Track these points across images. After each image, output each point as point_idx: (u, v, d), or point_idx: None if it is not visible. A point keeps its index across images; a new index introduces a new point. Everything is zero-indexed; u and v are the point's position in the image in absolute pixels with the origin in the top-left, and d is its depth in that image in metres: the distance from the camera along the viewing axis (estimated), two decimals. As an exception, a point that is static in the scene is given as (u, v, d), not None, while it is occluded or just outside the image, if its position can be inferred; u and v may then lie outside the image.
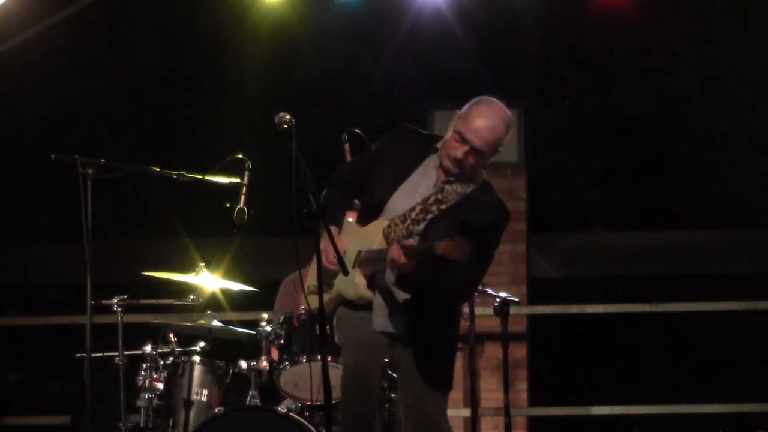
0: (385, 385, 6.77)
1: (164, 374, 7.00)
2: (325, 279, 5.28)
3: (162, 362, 7.04)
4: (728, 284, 10.87)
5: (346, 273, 5.25)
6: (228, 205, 6.00)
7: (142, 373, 7.01)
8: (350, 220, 5.61)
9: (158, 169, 6.09)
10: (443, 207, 5.42)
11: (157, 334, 7.21)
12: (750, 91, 11.29)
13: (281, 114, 5.23)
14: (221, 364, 7.04)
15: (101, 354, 7.09)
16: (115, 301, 7.06)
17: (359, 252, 5.44)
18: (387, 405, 6.82)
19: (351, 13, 10.18)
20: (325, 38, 11.14)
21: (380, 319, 5.48)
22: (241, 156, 6.07)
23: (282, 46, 11.03)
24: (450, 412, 6.54)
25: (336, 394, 5.40)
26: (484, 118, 5.42)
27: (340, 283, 5.48)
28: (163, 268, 7.45)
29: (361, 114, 10.13)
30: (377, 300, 5.47)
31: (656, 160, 11.84)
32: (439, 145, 5.52)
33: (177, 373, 6.99)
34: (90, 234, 5.64)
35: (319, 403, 6.47)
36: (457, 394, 9.28)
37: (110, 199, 10.12)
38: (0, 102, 9.99)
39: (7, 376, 12.45)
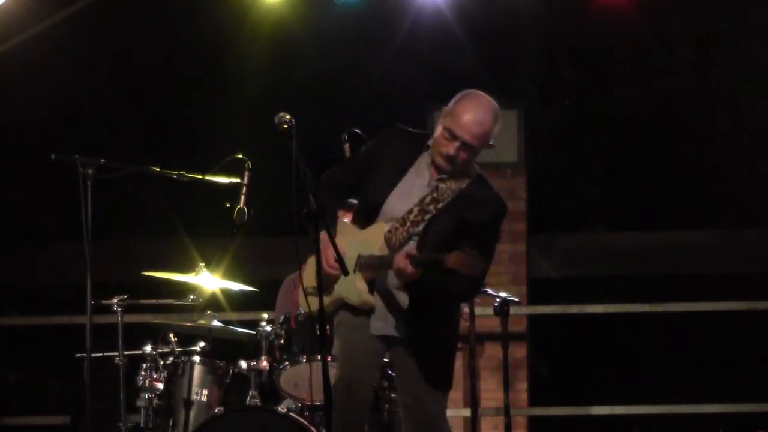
0: (385, 385, 6.77)
1: (164, 374, 7.01)
2: (324, 283, 5.29)
3: (162, 362, 7.04)
4: (728, 284, 10.87)
5: (346, 273, 5.25)
6: (228, 205, 6.00)
7: (142, 373, 7.02)
8: (345, 220, 5.60)
9: (158, 169, 6.09)
10: (440, 205, 5.42)
11: (157, 334, 7.21)
12: (750, 91, 11.29)
13: (281, 114, 5.23)
14: (221, 364, 7.03)
15: (101, 354, 7.09)
16: (115, 301, 7.06)
17: (359, 256, 5.42)
18: (387, 405, 6.81)
19: (351, 13, 10.18)
20: (325, 38, 11.14)
21: (380, 323, 5.47)
22: (241, 156, 6.07)
23: (282, 46, 11.03)
24: (450, 412, 6.55)
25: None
26: (472, 113, 5.43)
27: (342, 288, 5.47)
28: (163, 268, 7.45)
29: (361, 114, 10.13)
30: (377, 303, 5.47)
31: (656, 160, 11.84)
32: (430, 142, 5.53)
33: (177, 373, 6.99)
34: (90, 234, 5.63)
35: (318, 403, 6.47)
36: (457, 394, 9.28)
37: (110, 199, 10.11)
38: (0, 102, 9.99)
39: (7, 376, 12.45)
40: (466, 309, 7.03)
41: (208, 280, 7.28)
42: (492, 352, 9.44)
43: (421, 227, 5.41)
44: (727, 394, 10.39)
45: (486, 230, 5.42)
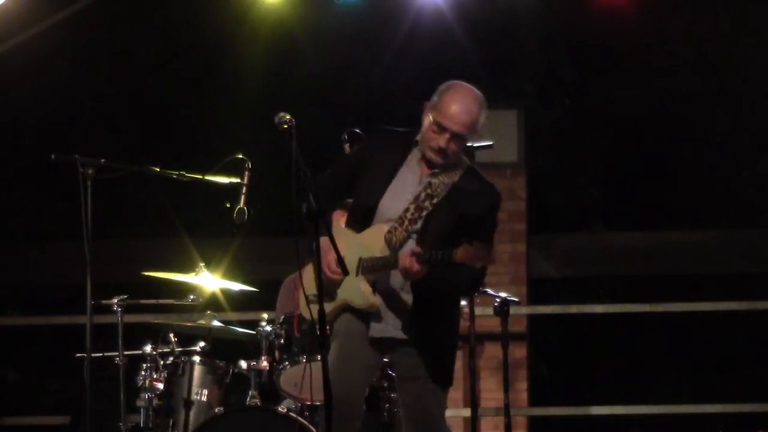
0: (385, 385, 6.77)
1: (164, 374, 7.00)
2: (327, 289, 5.29)
3: (162, 362, 7.04)
4: (728, 284, 10.87)
5: (347, 273, 5.25)
6: (228, 205, 6.00)
7: (142, 373, 7.02)
8: (341, 225, 5.58)
9: (158, 169, 6.09)
10: (435, 201, 5.43)
11: (157, 334, 7.21)
12: (750, 91, 11.29)
13: (281, 114, 5.23)
14: (221, 364, 7.03)
15: (101, 354, 7.09)
16: (115, 301, 7.06)
17: (360, 259, 5.42)
18: (387, 405, 6.81)
19: (351, 13, 10.18)
20: (325, 38, 11.14)
21: (382, 326, 5.46)
22: (241, 156, 6.07)
23: (282, 46, 11.03)
24: (450, 412, 6.55)
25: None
26: (458, 103, 5.44)
27: (346, 293, 5.46)
28: (163, 268, 7.45)
29: (361, 114, 10.13)
30: (380, 305, 5.47)
31: (656, 160, 11.84)
32: (418, 138, 5.53)
33: (177, 373, 6.99)
34: (90, 234, 5.63)
35: (318, 403, 6.47)
36: (457, 394, 9.28)
37: (110, 199, 10.11)
38: (0, 102, 9.99)
39: (7, 376, 12.45)
40: (466, 309, 7.03)
41: (208, 280, 7.27)
42: (492, 352, 9.44)
43: (419, 224, 5.41)
44: (727, 394, 10.39)
45: (485, 221, 5.43)
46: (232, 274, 8.10)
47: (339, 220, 5.73)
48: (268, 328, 6.93)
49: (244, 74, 11.39)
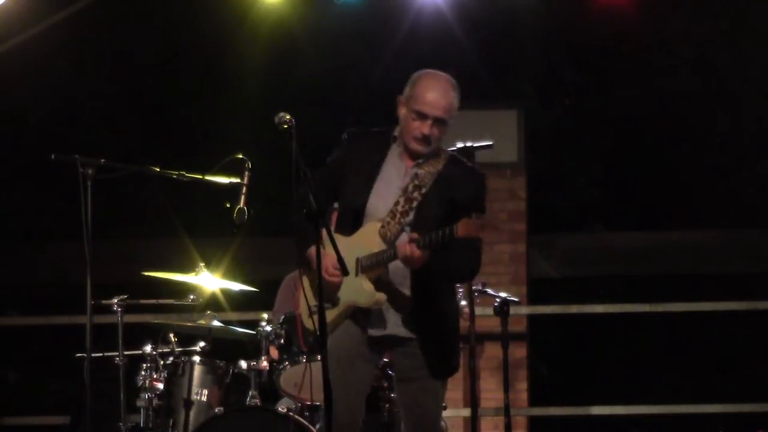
0: (385, 385, 6.77)
1: (164, 374, 7.00)
2: (328, 296, 5.28)
3: (162, 362, 7.04)
4: (728, 284, 10.86)
5: (346, 273, 5.25)
6: (228, 205, 6.00)
7: (142, 373, 7.02)
8: (332, 230, 5.52)
9: (158, 169, 6.09)
10: (424, 191, 5.44)
11: (157, 334, 7.21)
12: (750, 91, 11.29)
13: (281, 114, 5.24)
14: (221, 364, 7.03)
15: (101, 354, 7.10)
16: (115, 301, 7.07)
17: (358, 259, 5.42)
18: (387, 405, 6.82)
19: (351, 13, 10.18)
20: (325, 38, 11.15)
21: (381, 324, 5.46)
22: (241, 156, 6.07)
23: (282, 46, 11.03)
24: (450, 412, 6.57)
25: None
26: (433, 89, 5.48)
27: (349, 295, 5.45)
28: (163, 268, 7.45)
29: (361, 114, 10.13)
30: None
31: (656, 160, 11.84)
32: (396, 133, 5.55)
33: (177, 373, 6.99)
34: (90, 234, 5.63)
35: (318, 403, 6.47)
36: (457, 394, 9.28)
37: (110, 199, 10.11)
38: (0, 102, 9.99)
39: (7, 376, 12.45)
40: (466, 309, 7.03)
41: (208, 280, 7.27)
42: (492, 352, 9.44)
43: (411, 216, 5.43)
44: (727, 394, 10.39)
45: (476, 203, 5.44)
46: (232, 274, 8.10)
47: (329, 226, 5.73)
48: (268, 328, 6.93)
49: (244, 74, 11.39)
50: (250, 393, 6.86)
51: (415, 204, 5.43)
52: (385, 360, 5.78)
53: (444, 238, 5.22)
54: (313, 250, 5.28)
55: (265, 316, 7.20)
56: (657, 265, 10.78)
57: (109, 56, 11.50)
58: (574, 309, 9.98)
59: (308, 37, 11.06)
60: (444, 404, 5.73)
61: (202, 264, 7.26)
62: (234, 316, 8.83)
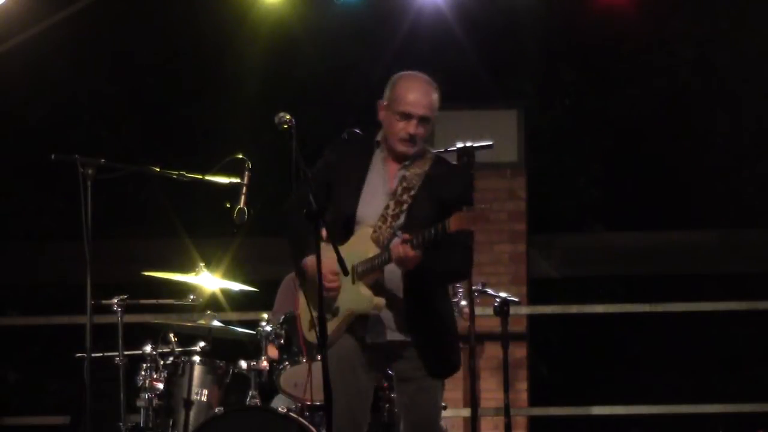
0: (385, 385, 6.77)
1: (164, 374, 7.00)
2: (328, 306, 5.29)
3: (162, 362, 7.04)
4: (728, 284, 10.87)
5: (346, 273, 5.25)
6: (228, 205, 6.00)
7: (142, 373, 7.01)
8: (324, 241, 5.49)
9: (158, 169, 6.09)
10: (413, 192, 5.45)
11: (157, 334, 7.21)
12: (750, 91, 11.29)
13: (281, 114, 5.24)
14: (221, 364, 7.03)
15: (101, 354, 7.10)
16: (115, 301, 7.07)
17: (353, 266, 5.41)
18: (387, 405, 6.82)
19: (351, 13, 10.18)
20: (325, 38, 11.15)
21: (379, 331, 5.46)
22: (241, 156, 6.07)
23: (282, 46, 11.03)
24: (450, 412, 6.57)
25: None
26: (414, 89, 5.51)
27: (348, 303, 5.44)
28: (163, 268, 7.45)
29: (361, 114, 10.12)
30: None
31: (656, 160, 11.84)
32: (379, 138, 5.55)
33: (177, 373, 6.99)
34: (90, 234, 5.64)
35: (318, 403, 6.47)
36: (457, 394, 9.28)
37: (110, 199, 10.11)
38: (0, 102, 9.99)
39: (7, 376, 12.45)
40: (466, 309, 7.03)
41: (208, 280, 7.27)
42: (492, 352, 9.43)
43: (402, 218, 5.43)
44: (727, 394, 10.39)
45: (465, 200, 5.44)
46: (232, 274, 8.11)
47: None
48: (268, 328, 6.93)
49: (244, 74, 11.39)
50: (250, 393, 6.86)
51: (405, 206, 5.43)
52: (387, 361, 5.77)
53: (437, 235, 5.22)
54: (308, 260, 5.32)
55: (265, 316, 7.20)
56: (657, 265, 10.78)
57: (109, 56, 11.51)
58: (574, 309, 9.98)
59: (308, 37, 11.06)
60: (444, 404, 5.73)
61: (202, 264, 7.26)
62: (234, 316, 8.83)
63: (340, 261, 5.19)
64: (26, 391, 12.23)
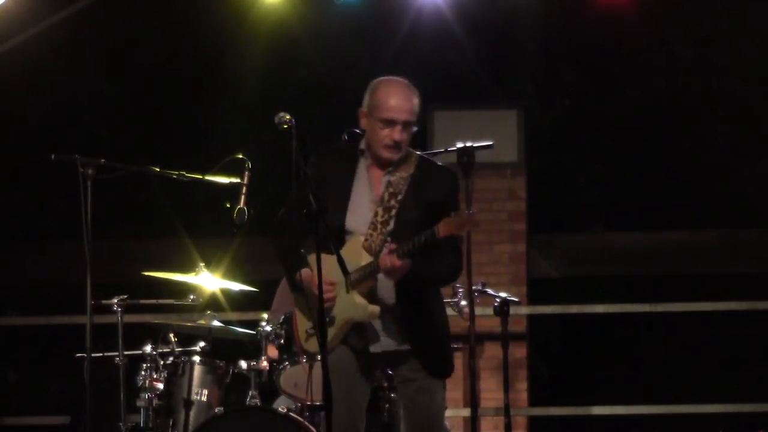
0: (385, 385, 6.77)
1: (164, 374, 7.00)
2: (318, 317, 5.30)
3: (162, 362, 7.03)
4: (728, 284, 10.86)
5: (346, 273, 5.26)
6: (228, 205, 6.00)
7: (142, 373, 7.01)
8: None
9: (158, 169, 6.09)
10: (400, 197, 5.45)
11: (157, 334, 7.20)
12: (750, 91, 11.29)
13: (281, 114, 5.24)
14: (221, 364, 7.03)
15: (101, 354, 7.09)
16: (115, 301, 7.07)
17: (346, 275, 5.41)
18: (387, 405, 6.81)
19: (351, 13, 10.19)
20: (325, 38, 11.15)
21: (377, 340, 5.47)
22: (241, 156, 6.07)
23: (282, 46, 11.03)
24: (450, 412, 6.56)
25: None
26: (395, 94, 5.49)
27: (344, 312, 5.44)
28: (163, 268, 7.45)
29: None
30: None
31: (656, 160, 11.84)
32: (362, 146, 5.54)
33: (177, 373, 6.98)
34: (90, 234, 5.64)
35: (318, 403, 6.47)
36: (457, 394, 9.28)
37: (110, 199, 10.11)
38: (0, 102, 9.99)
39: (7, 376, 12.44)
40: (466, 309, 7.03)
41: (208, 280, 7.27)
42: (492, 352, 9.43)
43: (392, 224, 5.42)
44: (727, 394, 10.38)
45: (451, 201, 5.45)
46: (232, 274, 8.10)
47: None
48: (268, 328, 6.93)
49: (244, 74, 11.39)
50: (250, 393, 6.86)
51: (393, 212, 5.43)
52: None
53: (427, 241, 5.22)
54: (302, 273, 5.35)
55: (265, 316, 7.20)
56: (657, 265, 10.77)
57: (109, 56, 11.50)
58: (574, 309, 9.98)
59: (308, 37, 11.06)
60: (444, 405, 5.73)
61: (202, 264, 7.26)
62: (234, 316, 8.83)
63: (340, 262, 5.19)
64: (26, 391, 12.23)
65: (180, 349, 7.18)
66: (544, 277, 10.61)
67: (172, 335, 7.19)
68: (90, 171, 5.72)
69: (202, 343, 7.19)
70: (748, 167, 11.83)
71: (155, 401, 6.97)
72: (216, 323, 7.25)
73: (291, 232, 5.53)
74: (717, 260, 10.60)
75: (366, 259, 5.38)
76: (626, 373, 11.91)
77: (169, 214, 10.85)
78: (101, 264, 6.03)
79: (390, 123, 5.44)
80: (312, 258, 5.38)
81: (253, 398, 6.84)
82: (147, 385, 6.98)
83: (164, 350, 7.13)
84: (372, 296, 5.42)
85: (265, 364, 6.87)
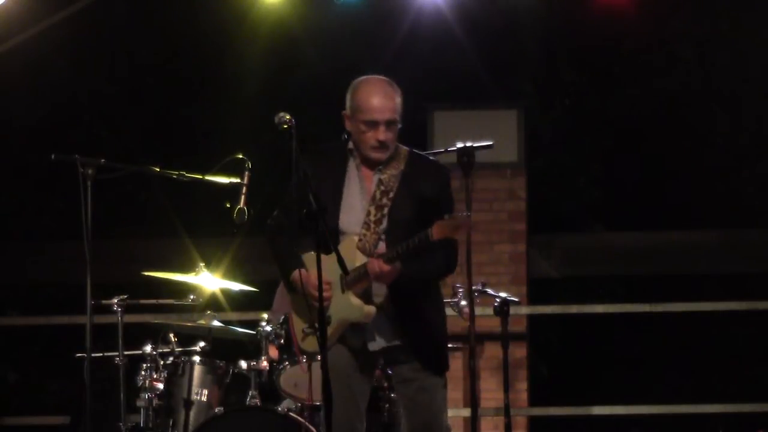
0: (385, 384, 6.77)
1: (164, 374, 7.01)
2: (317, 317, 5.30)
3: (162, 362, 7.04)
4: (728, 284, 10.86)
5: (346, 272, 5.26)
6: (228, 205, 6.00)
7: (142, 373, 7.01)
8: (311, 252, 5.47)
9: (158, 169, 6.09)
10: (391, 195, 5.44)
11: (157, 334, 7.21)
12: (750, 91, 11.29)
13: (281, 114, 5.24)
14: (221, 364, 7.04)
15: (101, 354, 7.10)
16: (115, 301, 7.07)
17: (341, 276, 5.41)
18: (387, 405, 6.81)
19: (351, 13, 10.19)
20: (325, 38, 11.14)
21: (374, 338, 5.47)
22: (241, 156, 6.07)
23: (282, 46, 11.03)
24: (450, 412, 6.54)
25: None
26: (375, 94, 5.47)
27: (339, 312, 5.44)
28: (163, 268, 7.45)
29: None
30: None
31: (656, 160, 11.84)
32: (350, 147, 5.53)
33: (177, 373, 6.99)
34: (90, 234, 5.64)
35: (318, 403, 6.47)
36: (457, 394, 9.28)
37: (110, 199, 10.11)
38: (0, 102, 9.99)
39: (7, 376, 12.44)
40: (466, 309, 7.03)
41: (208, 280, 7.27)
42: (492, 352, 9.44)
43: (385, 223, 5.42)
44: (727, 394, 10.39)
45: (443, 197, 5.45)
46: (232, 274, 8.10)
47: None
48: (268, 328, 6.93)
49: (244, 74, 11.39)
50: (250, 393, 6.86)
51: (386, 210, 5.42)
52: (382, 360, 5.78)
53: (420, 244, 5.22)
54: (296, 273, 5.36)
55: (265, 316, 7.19)
56: (657, 265, 10.77)
57: (109, 56, 11.50)
58: (574, 309, 9.98)
59: (308, 37, 11.06)
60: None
61: (202, 264, 7.26)
62: (234, 316, 8.82)
63: (340, 262, 5.19)
64: (26, 391, 12.23)
65: (180, 349, 7.18)
66: (544, 277, 10.61)
67: (172, 335, 7.20)
68: (90, 171, 5.72)
69: (202, 343, 7.19)
70: (748, 167, 11.83)
71: (155, 401, 6.97)
72: (216, 323, 7.25)
73: (286, 233, 5.53)
74: (717, 260, 10.60)
75: (360, 259, 5.38)
76: (626, 373, 11.91)
77: (169, 214, 10.85)
78: (101, 264, 6.03)
79: (373, 124, 5.43)
80: (307, 257, 5.39)
81: (253, 398, 6.85)
82: (147, 385, 6.98)
83: (164, 350, 7.13)
84: (367, 296, 5.42)
85: (265, 364, 6.88)
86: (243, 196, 6.02)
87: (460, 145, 6.40)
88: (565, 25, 11.32)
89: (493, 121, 9.97)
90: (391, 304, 5.43)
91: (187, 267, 7.33)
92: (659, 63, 11.92)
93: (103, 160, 5.80)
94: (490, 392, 9.52)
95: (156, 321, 7.46)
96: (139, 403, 6.99)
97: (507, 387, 7.38)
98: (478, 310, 7.30)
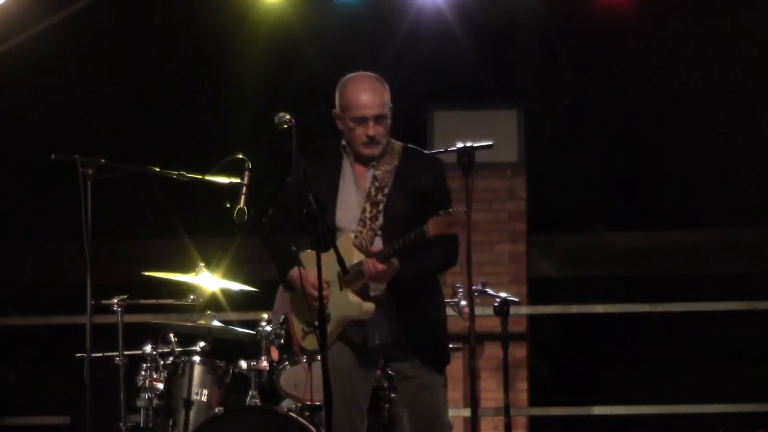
0: (385, 384, 6.77)
1: (164, 374, 7.01)
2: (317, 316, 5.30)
3: (162, 362, 7.04)
4: (728, 284, 10.86)
5: (346, 272, 5.26)
6: (228, 205, 6.00)
7: (142, 373, 7.02)
8: (308, 250, 5.48)
9: (158, 169, 6.09)
10: (386, 191, 5.44)
11: (157, 334, 7.21)
12: (750, 91, 11.29)
13: (281, 114, 5.24)
14: (221, 364, 7.04)
15: (101, 354, 7.10)
16: (115, 301, 7.07)
17: (338, 273, 5.41)
18: (387, 405, 6.81)
19: (351, 13, 10.19)
20: (325, 38, 11.14)
21: (373, 334, 5.47)
22: (241, 156, 6.07)
23: (282, 46, 11.03)
24: (450, 412, 6.54)
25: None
26: (362, 90, 5.47)
27: (338, 310, 5.44)
28: (163, 268, 7.45)
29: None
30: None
31: (656, 160, 11.84)
32: (344, 144, 5.54)
33: (177, 373, 6.99)
34: (90, 234, 5.64)
35: (318, 403, 6.47)
36: (457, 394, 9.28)
37: (110, 199, 10.11)
38: (0, 102, 9.99)
39: (7, 376, 12.44)
40: (466, 309, 7.03)
41: (208, 280, 7.27)
42: (492, 352, 9.44)
43: (381, 219, 5.43)
44: (727, 394, 10.39)
45: (439, 191, 5.45)
46: (232, 274, 8.10)
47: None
48: (268, 328, 6.93)
49: (244, 74, 11.38)
50: (250, 393, 6.86)
51: (381, 206, 5.43)
52: (382, 360, 5.78)
53: (416, 240, 5.22)
54: (294, 272, 5.34)
55: (265, 316, 7.18)
56: (657, 265, 10.77)
57: (109, 56, 11.50)
58: (574, 309, 9.97)
59: (308, 37, 11.05)
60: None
61: (202, 264, 7.26)
62: (234, 316, 8.82)
63: (340, 260, 5.19)
64: (26, 391, 12.23)
65: (180, 349, 7.18)
66: (544, 277, 10.61)
67: (172, 335, 7.20)
68: (90, 171, 5.72)
69: (202, 343, 7.19)
70: (748, 167, 11.83)
71: (155, 401, 6.97)
72: (216, 323, 7.25)
73: (282, 232, 5.53)
74: (717, 260, 10.60)
75: (357, 257, 5.39)
76: (626, 373, 11.90)
77: (169, 214, 10.85)
78: (101, 264, 6.03)
79: (362, 120, 5.44)
80: (304, 256, 5.39)
81: (253, 398, 6.85)
82: (147, 385, 6.98)
83: (164, 350, 7.14)
84: (365, 293, 5.42)
85: (265, 364, 6.88)
86: (243, 196, 6.02)
87: (460, 145, 6.40)
88: (565, 25, 11.32)
89: (493, 121, 9.97)
90: (391, 301, 5.42)
91: (187, 267, 7.33)
92: (659, 63, 11.92)
93: (103, 160, 5.80)
94: (490, 392, 9.52)
95: (156, 321, 7.47)
96: (139, 403, 6.99)
97: (507, 387, 7.38)
98: (478, 310, 7.30)
